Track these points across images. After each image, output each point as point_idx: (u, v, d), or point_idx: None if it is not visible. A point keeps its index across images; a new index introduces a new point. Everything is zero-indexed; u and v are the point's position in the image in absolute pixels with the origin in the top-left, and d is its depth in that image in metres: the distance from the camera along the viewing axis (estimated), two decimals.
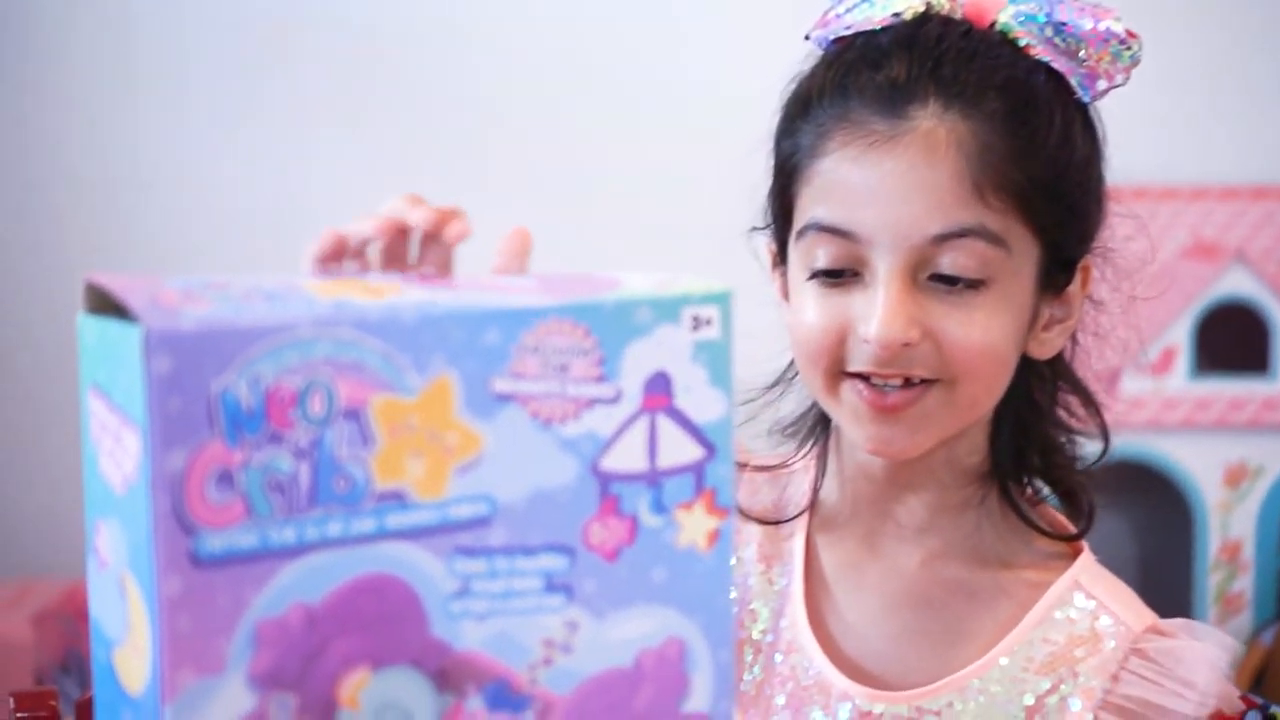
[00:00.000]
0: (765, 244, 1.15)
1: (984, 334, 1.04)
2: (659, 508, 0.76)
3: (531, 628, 0.74)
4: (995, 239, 1.03)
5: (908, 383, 1.04)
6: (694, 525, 0.77)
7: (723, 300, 0.76)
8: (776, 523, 1.18)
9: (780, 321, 1.13)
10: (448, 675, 0.73)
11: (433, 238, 0.86)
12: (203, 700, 0.68)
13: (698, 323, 0.76)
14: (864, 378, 1.05)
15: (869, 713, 1.09)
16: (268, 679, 0.69)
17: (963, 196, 1.02)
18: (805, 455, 1.19)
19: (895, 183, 1.02)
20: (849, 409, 1.07)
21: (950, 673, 1.10)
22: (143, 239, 2.77)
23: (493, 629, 0.73)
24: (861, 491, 1.14)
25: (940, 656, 1.11)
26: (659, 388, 0.75)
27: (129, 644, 0.70)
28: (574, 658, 0.75)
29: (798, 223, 1.07)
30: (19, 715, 1.11)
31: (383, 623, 0.71)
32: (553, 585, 0.74)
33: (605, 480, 0.75)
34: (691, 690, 0.78)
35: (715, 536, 0.77)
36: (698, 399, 0.76)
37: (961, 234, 1.02)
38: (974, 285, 1.03)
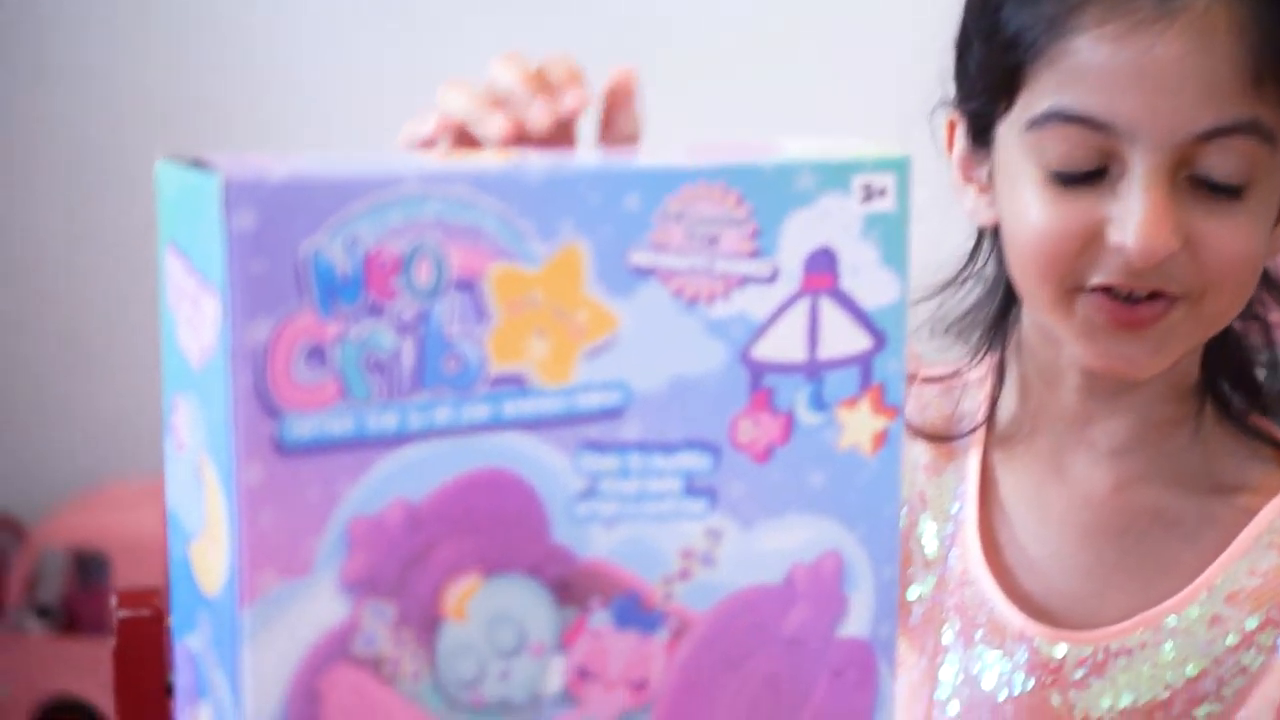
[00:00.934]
0: (947, 121, 1.03)
1: (1245, 244, 0.92)
2: (818, 404, 0.66)
3: (668, 535, 0.64)
4: (1268, 136, 0.90)
5: (1153, 295, 0.92)
6: (858, 425, 0.66)
7: (900, 167, 0.66)
8: (949, 439, 1.06)
9: (951, 212, 1.01)
10: (570, 586, 0.64)
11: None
12: (286, 605, 0.60)
13: (869, 193, 0.65)
14: (1105, 290, 0.93)
15: (1050, 655, 0.98)
16: (362, 585, 0.61)
17: (1239, 88, 0.90)
18: (979, 362, 1.07)
19: (1164, 69, 0.90)
20: (1083, 325, 0.94)
21: (1143, 609, 0.99)
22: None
23: (623, 535, 0.64)
24: (1049, 407, 1.02)
25: (1132, 592, 1.00)
26: (822, 266, 0.65)
27: (206, 537, 0.62)
28: (716, 571, 0.65)
29: (1030, 109, 0.93)
30: (121, 613, 1.05)
31: (496, 524, 0.62)
32: (694, 488, 0.65)
33: (757, 370, 0.65)
34: (849, 612, 0.68)
35: (882, 439, 0.67)
36: (867, 281, 0.66)
37: (1233, 130, 0.90)
38: (1235, 190, 0.91)
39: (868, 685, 0.69)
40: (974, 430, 1.05)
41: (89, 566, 2.49)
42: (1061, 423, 1.02)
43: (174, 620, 0.67)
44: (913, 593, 1.04)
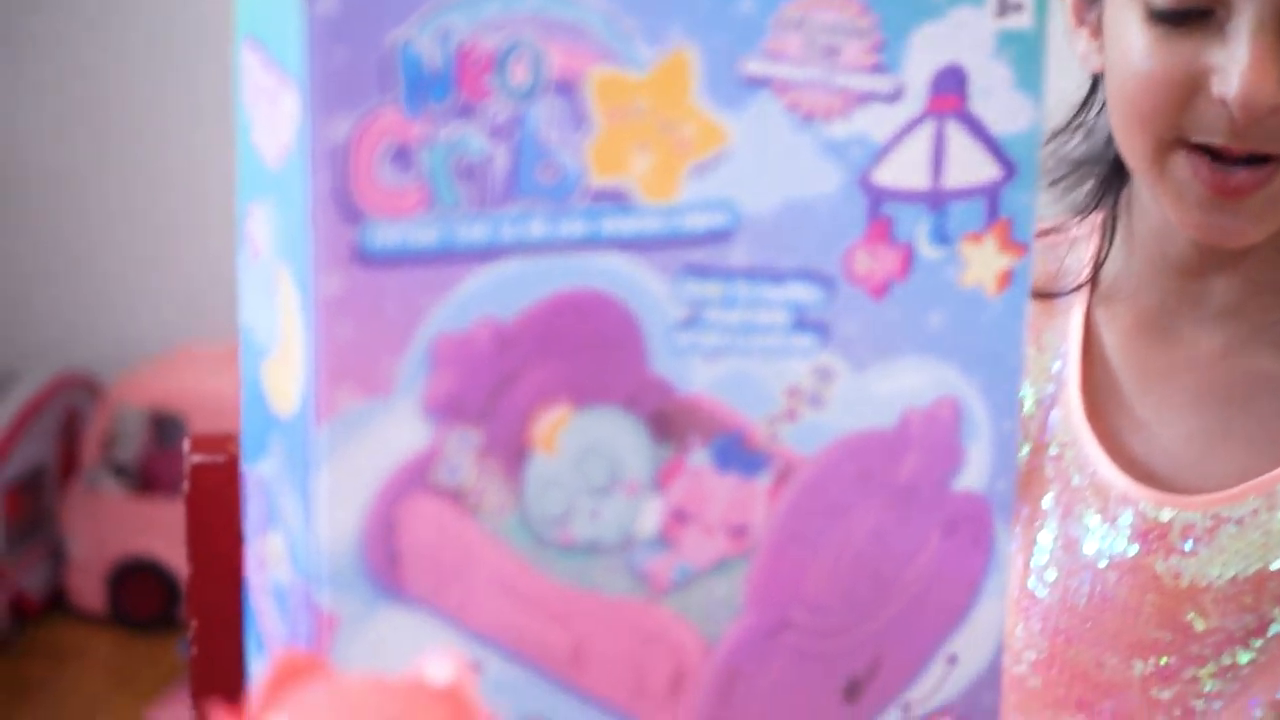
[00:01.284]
0: None
1: None
2: (941, 237, 0.61)
3: (774, 372, 0.60)
4: None
5: (1254, 160, 0.86)
6: (983, 262, 0.61)
7: None
8: (1051, 296, 1.01)
9: (1067, 55, 0.95)
10: (668, 421, 0.59)
11: None
12: (364, 426, 0.56)
13: (1005, 7, 0.60)
14: (1206, 151, 0.87)
15: (1155, 520, 0.93)
16: (446, 408, 0.56)
17: None
18: (1086, 217, 1.01)
19: None
20: (1176, 187, 0.88)
21: (1253, 476, 0.93)
22: None
23: (726, 369, 0.59)
24: (1157, 265, 0.97)
25: (1241, 458, 0.95)
26: (951, 85, 0.60)
27: (280, 353, 0.57)
28: (824, 412, 0.61)
29: None
30: (195, 458, 1.01)
31: (591, 350, 0.58)
32: (803, 322, 0.60)
33: (877, 197, 0.60)
34: (965, 463, 0.63)
35: (1008, 278, 0.62)
36: (999, 104, 0.60)
37: None
38: None
39: (982, 544, 0.64)
40: (1079, 288, 1.00)
41: (166, 427, 2.47)
42: (1170, 282, 0.97)
43: (245, 448, 0.63)
44: None
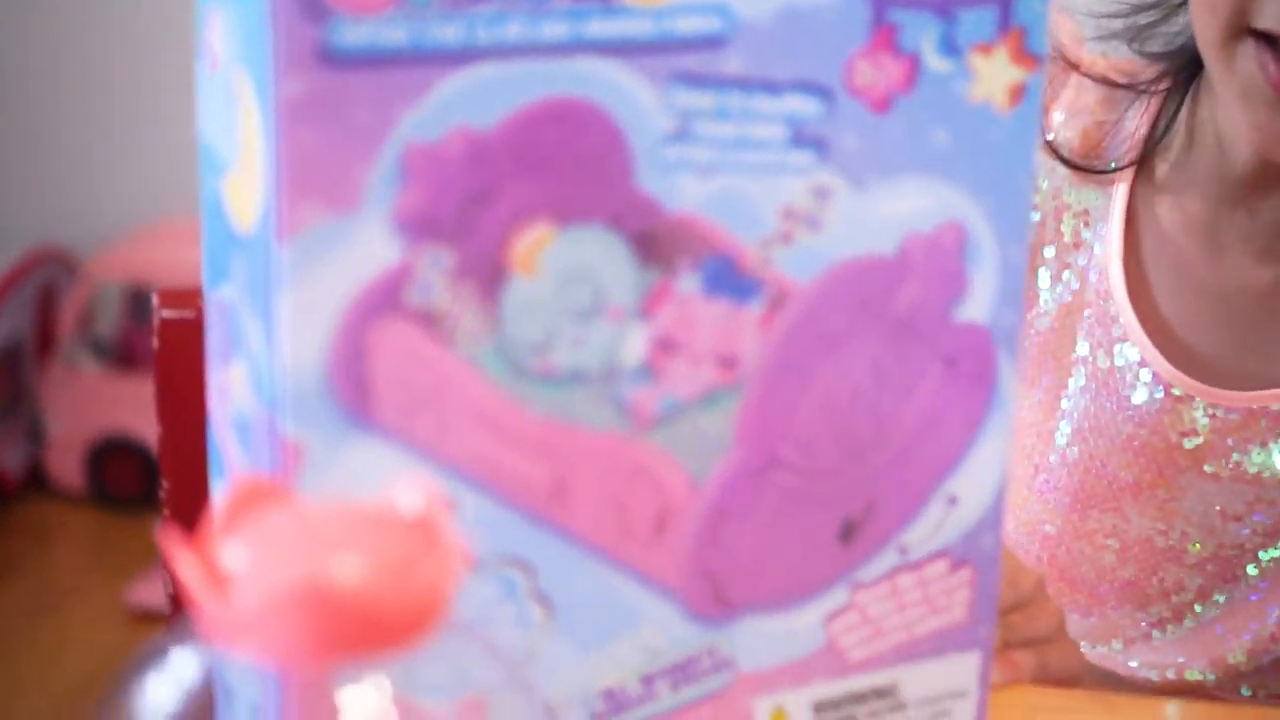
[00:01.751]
0: None
1: None
2: (949, 47, 0.57)
3: (769, 190, 0.56)
4: None
5: None
6: (993, 75, 0.58)
7: None
8: (1095, 169, 0.96)
9: None
10: (655, 242, 0.55)
11: None
12: (329, 243, 0.52)
13: None
14: (1270, 42, 0.82)
15: (1195, 407, 0.90)
16: (418, 225, 0.53)
17: None
18: (1155, 88, 0.96)
19: None
20: (1240, 83, 0.83)
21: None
22: None
23: (718, 187, 0.56)
24: (1214, 171, 0.92)
25: (1270, 371, 0.91)
26: None
27: (240, 166, 0.54)
28: (821, 235, 0.57)
29: None
30: (164, 313, 0.97)
31: (573, 164, 0.54)
32: (801, 137, 0.56)
33: (881, 2, 0.56)
34: (969, 291, 0.59)
35: (1019, 92, 0.58)
36: None
37: None
38: None
39: (985, 378, 0.61)
40: (1129, 165, 0.95)
41: (144, 303, 2.43)
42: (1224, 191, 0.92)
43: (206, 273, 0.59)
44: (1036, 311, 0.95)
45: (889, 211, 0.58)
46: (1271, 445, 0.90)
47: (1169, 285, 0.94)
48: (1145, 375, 0.92)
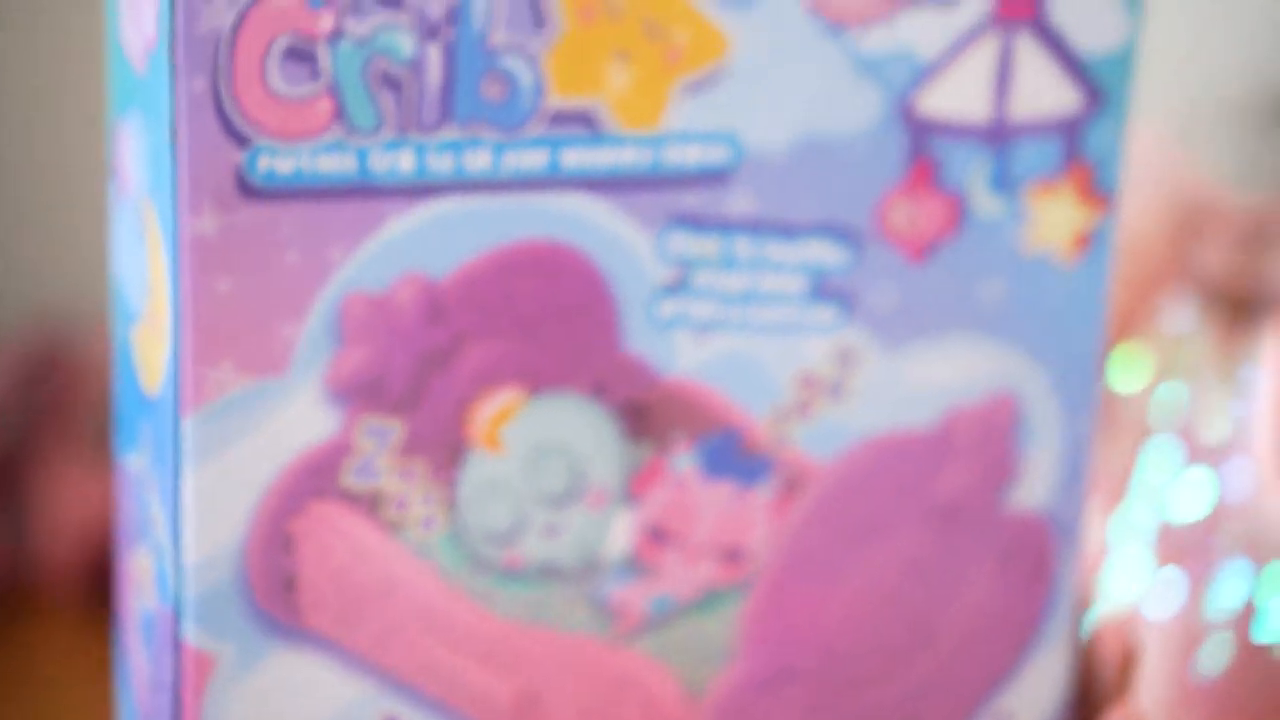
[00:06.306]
0: None
1: None
2: (1002, 183, 0.48)
3: (784, 353, 0.47)
4: None
5: None
6: (1056, 218, 0.48)
7: None
8: (1243, 313, 0.85)
9: None
10: (646, 413, 0.46)
11: None
12: (249, 413, 0.43)
13: None
14: None
15: None
16: (358, 391, 0.43)
17: None
18: None
19: None
20: None
21: None
22: None
23: (722, 349, 0.46)
24: None
25: None
26: None
27: (149, 315, 0.45)
28: (847, 406, 0.48)
29: None
30: None
31: (548, 320, 0.45)
32: (823, 289, 0.47)
33: (921, 130, 0.47)
34: (1024, 474, 0.50)
35: (1087, 239, 0.49)
36: (1085, 13, 0.47)
37: None
38: None
39: (1043, 577, 0.51)
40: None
41: None
42: None
43: (117, 436, 0.50)
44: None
45: (928, 378, 0.48)
46: None
47: None
48: None
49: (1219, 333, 0.83)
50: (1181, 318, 0.83)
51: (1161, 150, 0.81)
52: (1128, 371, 0.83)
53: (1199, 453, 0.81)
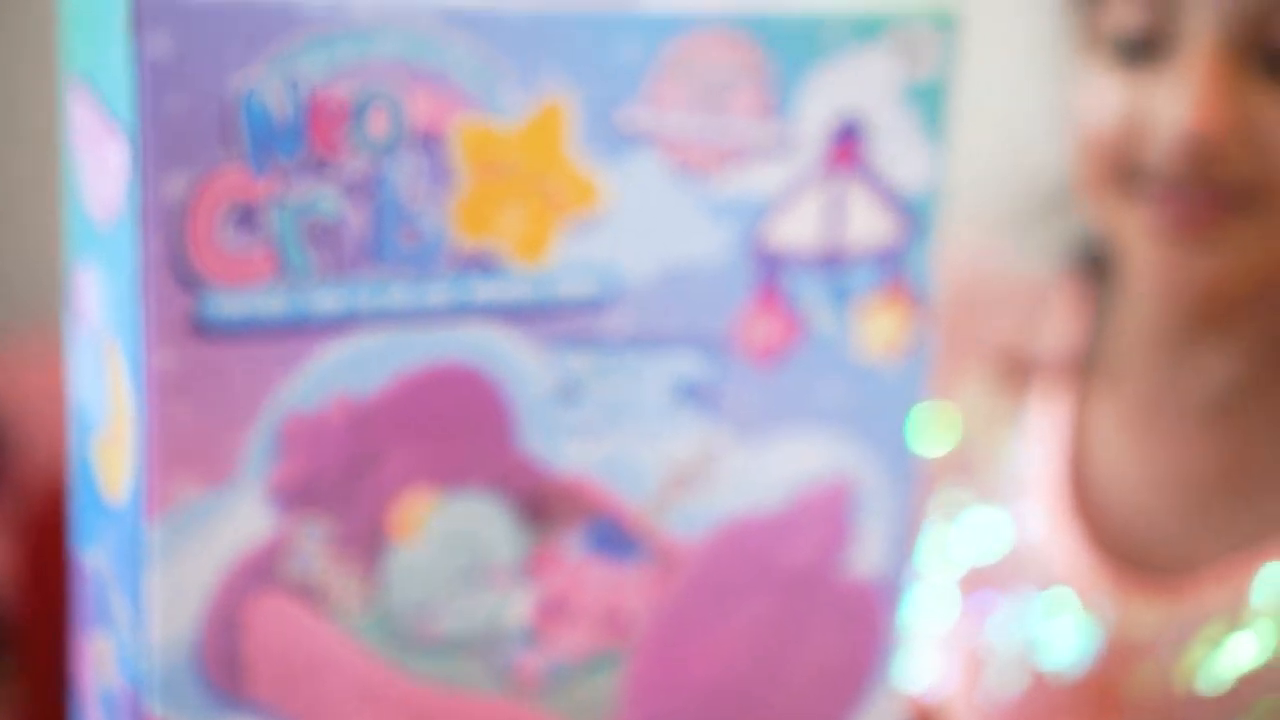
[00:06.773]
0: None
1: None
2: (837, 301, 0.56)
3: (656, 450, 0.55)
4: None
5: (1215, 196, 0.79)
6: (882, 326, 0.57)
7: (946, 25, 0.56)
8: (1019, 376, 0.92)
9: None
10: (540, 505, 0.54)
11: None
12: (203, 518, 0.50)
13: (910, 52, 0.56)
14: (1160, 191, 0.79)
15: (1130, 631, 0.84)
16: (295, 495, 0.51)
17: None
18: (1060, 284, 0.92)
19: None
20: (1135, 227, 0.80)
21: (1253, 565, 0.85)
22: None
23: (604, 449, 0.54)
24: (1144, 340, 0.88)
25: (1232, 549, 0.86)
26: (849, 137, 0.55)
27: (110, 434, 0.51)
28: (710, 493, 0.56)
29: None
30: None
31: (456, 430, 0.52)
32: (688, 394, 0.55)
33: (767, 259, 0.55)
34: (860, 545, 0.58)
35: (909, 343, 0.57)
36: (902, 157, 0.56)
37: None
38: None
39: (877, 631, 0.59)
40: (1058, 369, 0.91)
41: None
42: (1160, 357, 0.88)
43: (76, 532, 0.57)
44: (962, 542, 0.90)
45: (778, 466, 0.57)
46: None
47: (1124, 485, 0.89)
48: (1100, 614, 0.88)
49: (1008, 392, 0.91)
50: (976, 381, 0.91)
51: (960, 240, 0.89)
52: (934, 432, 0.92)
53: (992, 497, 0.90)
